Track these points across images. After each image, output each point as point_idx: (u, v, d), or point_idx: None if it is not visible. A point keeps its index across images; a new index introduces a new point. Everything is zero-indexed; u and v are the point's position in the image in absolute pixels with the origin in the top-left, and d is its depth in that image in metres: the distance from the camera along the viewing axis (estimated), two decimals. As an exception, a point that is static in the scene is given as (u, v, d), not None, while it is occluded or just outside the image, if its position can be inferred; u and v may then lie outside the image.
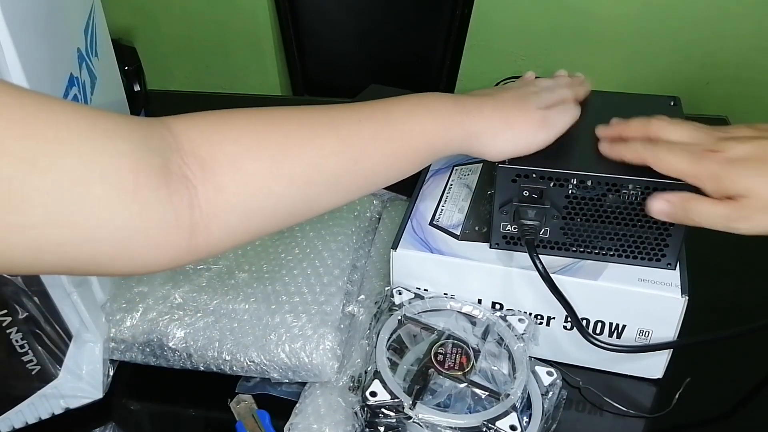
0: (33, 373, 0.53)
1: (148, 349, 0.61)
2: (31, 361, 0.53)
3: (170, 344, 0.60)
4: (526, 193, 0.55)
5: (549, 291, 0.54)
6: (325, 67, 1.48)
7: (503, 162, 0.54)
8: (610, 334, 0.59)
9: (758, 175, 0.47)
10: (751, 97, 1.48)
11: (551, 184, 0.54)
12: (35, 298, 0.51)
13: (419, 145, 0.50)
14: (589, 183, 0.53)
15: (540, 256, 0.56)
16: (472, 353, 0.56)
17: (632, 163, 0.52)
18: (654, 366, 0.60)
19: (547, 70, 1.54)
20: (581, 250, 0.57)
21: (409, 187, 0.68)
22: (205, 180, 0.39)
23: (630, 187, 0.53)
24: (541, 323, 0.60)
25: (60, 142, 0.33)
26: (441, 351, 0.56)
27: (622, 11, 1.42)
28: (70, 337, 0.55)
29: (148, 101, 0.99)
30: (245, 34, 1.58)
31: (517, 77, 0.66)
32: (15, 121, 0.31)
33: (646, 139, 0.52)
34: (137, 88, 0.96)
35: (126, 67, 0.95)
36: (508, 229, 0.57)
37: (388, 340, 0.58)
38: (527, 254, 0.55)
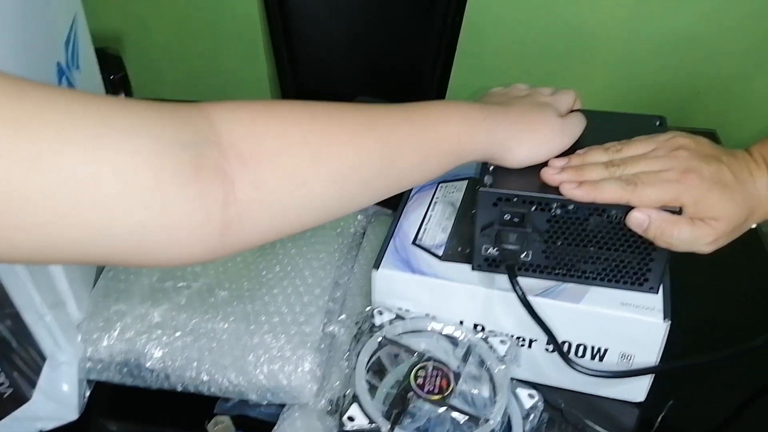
0: (5, 396, 0.53)
1: (125, 369, 0.60)
2: (2, 383, 0.52)
3: (148, 364, 0.59)
4: (507, 216, 0.54)
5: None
6: (317, 74, 1.47)
7: (484, 185, 0.54)
8: (592, 357, 0.58)
9: (729, 200, 0.50)
10: (741, 108, 1.48)
11: (533, 209, 0.53)
12: (7, 321, 0.50)
13: (450, 148, 0.50)
14: (570, 207, 0.53)
15: (522, 278, 0.55)
16: (452, 376, 0.56)
17: (607, 202, 0.51)
18: (636, 389, 0.59)
19: (539, 79, 1.55)
20: (563, 273, 0.57)
21: (394, 201, 0.67)
22: (244, 175, 0.38)
23: (613, 211, 0.52)
24: (522, 345, 0.59)
25: (61, 141, 0.32)
26: (421, 374, 0.55)
27: (614, 21, 1.42)
28: (44, 358, 0.54)
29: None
30: (236, 40, 1.57)
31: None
32: (9, 119, 0.30)
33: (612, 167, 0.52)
34: (122, 96, 0.95)
35: (111, 77, 0.94)
36: (490, 252, 0.57)
37: (368, 362, 0.57)
38: (508, 277, 0.54)
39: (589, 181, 0.51)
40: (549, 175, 0.53)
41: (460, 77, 1.45)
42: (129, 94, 0.96)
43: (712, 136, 0.95)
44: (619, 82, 1.50)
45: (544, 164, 0.54)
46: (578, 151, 0.55)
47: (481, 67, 1.52)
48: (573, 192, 0.51)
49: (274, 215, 0.41)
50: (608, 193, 0.50)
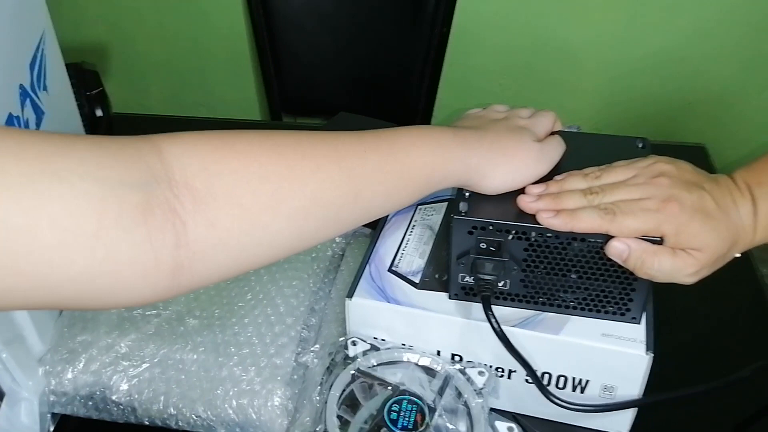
0: (-39, 435, 0.51)
1: (90, 403, 0.58)
2: (-43, 423, 0.50)
3: (114, 397, 0.57)
4: (483, 245, 0.52)
5: (507, 347, 0.52)
6: (303, 85, 1.45)
7: (458, 213, 0.52)
8: (573, 389, 0.56)
9: (712, 230, 0.48)
10: (731, 119, 1.47)
11: (509, 237, 0.51)
12: (-40, 359, 0.48)
13: (419, 177, 0.48)
14: (549, 235, 0.51)
15: (500, 307, 0.53)
16: (427, 410, 0.54)
17: (585, 231, 0.49)
18: (620, 422, 0.57)
19: (529, 89, 1.53)
20: (542, 302, 0.55)
21: (373, 221, 0.65)
22: (197, 215, 0.36)
23: (592, 239, 0.50)
24: (502, 376, 0.57)
25: None
26: (395, 408, 0.53)
27: (604, 31, 1.41)
28: (1, 396, 0.52)
29: (112, 126, 0.96)
30: (222, 51, 1.55)
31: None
32: None
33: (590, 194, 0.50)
34: (99, 113, 0.93)
35: (87, 93, 0.92)
36: (467, 281, 0.55)
37: (341, 396, 0.55)
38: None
39: (567, 209, 0.49)
40: (525, 203, 0.51)
41: (451, 85, 1.44)
42: (106, 109, 0.94)
43: (701, 151, 0.93)
44: (607, 99, 1.49)
45: (522, 190, 0.53)
46: (556, 177, 0.53)
47: (471, 76, 1.50)
48: (550, 221, 0.49)
49: (230, 255, 0.39)
50: (586, 223, 0.49)
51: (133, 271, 0.34)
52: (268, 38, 1.39)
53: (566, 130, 0.60)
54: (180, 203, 0.36)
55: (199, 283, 0.39)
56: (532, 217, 0.51)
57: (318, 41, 1.40)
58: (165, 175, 0.36)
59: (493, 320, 0.51)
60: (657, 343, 0.53)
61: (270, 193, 0.40)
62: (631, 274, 0.51)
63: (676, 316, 0.61)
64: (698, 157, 0.92)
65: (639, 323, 0.54)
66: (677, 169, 0.50)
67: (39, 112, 0.63)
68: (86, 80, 0.93)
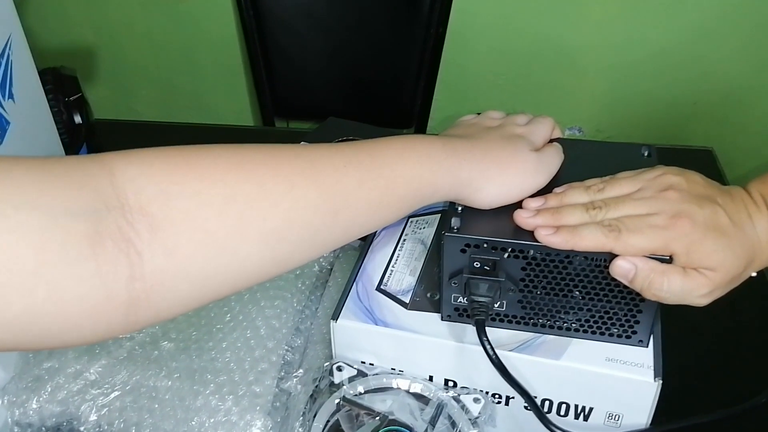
0: None
1: (57, 434, 0.54)
2: None
3: (82, 429, 0.53)
4: (477, 264, 0.48)
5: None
6: (296, 89, 1.41)
7: (450, 229, 0.48)
8: (576, 417, 0.52)
9: (726, 248, 0.44)
10: (739, 121, 1.42)
11: (505, 255, 0.47)
12: None
13: (406, 192, 0.44)
14: (548, 253, 0.47)
15: (496, 329, 0.50)
16: (418, 442, 0.50)
17: (588, 250, 0.45)
18: (626, 451, 0.53)
19: (528, 91, 1.49)
20: (542, 324, 0.51)
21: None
22: (153, 243, 0.33)
23: (595, 256, 0.46)
24: (499, 402, 0.53)
25: None
26: (383, 440, 0.49)
27: (605, 31, 1.36)
28: (-45, 431, 0.48)
29: (93, 133, 0.92)
30: (212, 54, 1.51)
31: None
32: None
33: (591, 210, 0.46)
34: (78, 120, 0.89)
35: (66, 99, 0.88)
36: (460, 301, 0.51)
37: (325, 427, 0.51)
38: (480, 331, 0.48)
39: (568, 226, 0.45)
40: (522, 219, 0.47)
41: (447, 86, 1.40)
42: (86, 115, 0.90)
43: (708, 154, 0.89)
44: (608, 101, 1.44)
45: (519, 204, 0.49)
46: (556, 190, 0.49)
47: (467, 76, 1.46)
48: (549, 239, 0.45)
49: (193, 285, 0.35)
50: (588, 241, 0.44)
51: (82, 309, 0.31)
52: (259, 41, 1.35)
53: (567, 133, 0.56)
54: (135, 231, 0.32)
55: (160, 317, 0.35)
56: (530, 234, 0.47)
57: (310, 44, 1.36)
58: (117, 201, 0.32)
59: (488, 346, 0.47)
60: (666, 367, 0.49)
61: (237, 215, 0.36)
62: (638, 294, 0.47)
63: (685, 336, 0.57)
64: (705, 161, 0.88)
65: (646, 346, 0.50)
66: (687, 181, 0.46)
67: (3, 123, 0.59)
68: (65, 86, 0.89)
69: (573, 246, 0.45)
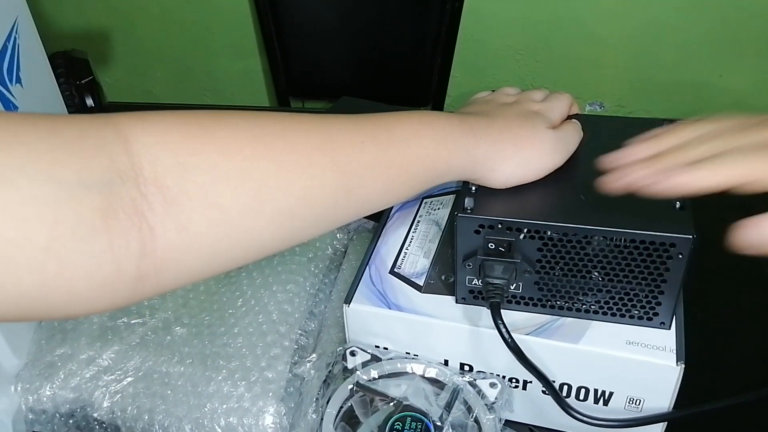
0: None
1: (71, 421, 0.54)
2: None
3: (95, 415, 0.53)
4: (491, 245, 0.47)
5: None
6: (310, 68, 1.40)
7: (463, 209, 0.46)
8: (596, 401, 0.51)
9: None
10: (766, 88, 1.38)
11: (521, 236, 0.46)
12: None
13: (420, 170, 0.43)
14: (565, 233, 0.45)
15: (512, 312, 0.48)
16: (433, 428, 0.49)
17: (656, 195, 0.38)
18: (648, 436, 0.52)
19: (547, 65, 1.45)
20: (559, 306, 0.49)
21: (377, 214, 0.60)
22: (166, 218, 0.32)
23: (612, 235, 0.44)
24: (516, 387, 0.52)
25: None
26: (397, 426, 0.48)
27: (626, 0, 1.32)
28: (-32, 419, 0.48)
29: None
30: (226, 34, 1.50)
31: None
32: None
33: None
34: (90, 103, 0.89)
35: (78, 82, 0.88)
36: (475, 284, 0.49)
37: (338, 412, 0.50)
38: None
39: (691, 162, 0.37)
40: (619, 179, 0.40)
41: (464, 63, 1.37)
42: (98, 98, 0.89)
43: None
44: (631, 73, 1.41)
45: (534, 183, 0.47)
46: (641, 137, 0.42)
47: (486, 52, 1.43)
48: (682, 178, 0.36)
49: (201, 260, 0.34)
50: (737, 167, 0.35)
51: (90, 285, 0.30)
52: (273, 20, 1.33)
53: (588, 109, 0.54)
54: (148, 204, 0.31)
55: (165, 290, 0.34)
56: (546, 213, 0.45)
57: (324, 21, 1.34)
58: (132, 171, 0.31)
59: (503, 329, 0.46)
60: (689, 349, 0.47)
61: (253, 193, 0.35)
62: (660, 272, 0.45)
63: (708, 317, 0.55)
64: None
65: (669, 329, 0.48)
66: None
67: (11, 108, 0.59)
68: (76, 69, 0.88)
69: (724, 179, 0.35)
